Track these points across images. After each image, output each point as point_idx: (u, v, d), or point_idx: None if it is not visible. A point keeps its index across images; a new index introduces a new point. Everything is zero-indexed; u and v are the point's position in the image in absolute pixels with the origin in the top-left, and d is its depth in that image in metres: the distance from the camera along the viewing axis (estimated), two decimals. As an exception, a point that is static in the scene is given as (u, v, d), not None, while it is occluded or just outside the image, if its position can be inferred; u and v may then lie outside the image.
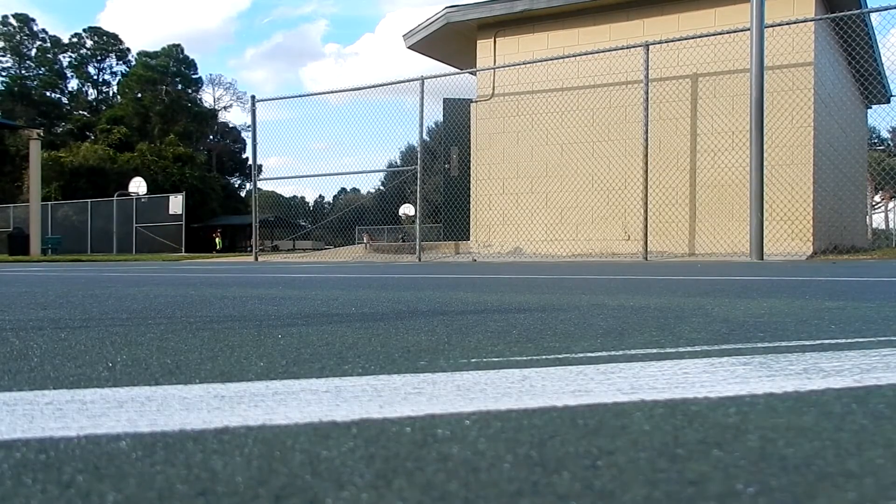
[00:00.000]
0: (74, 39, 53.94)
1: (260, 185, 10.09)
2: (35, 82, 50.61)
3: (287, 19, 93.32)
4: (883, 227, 25.34)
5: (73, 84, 53.80)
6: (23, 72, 50.99)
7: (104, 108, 51.58)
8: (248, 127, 11.97)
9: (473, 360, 0.81)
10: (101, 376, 0.74)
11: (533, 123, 8.23)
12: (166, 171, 38.94)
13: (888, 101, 11.54)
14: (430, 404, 0.58)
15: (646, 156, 7.12)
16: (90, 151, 37.81)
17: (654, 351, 0.87)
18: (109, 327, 1.19)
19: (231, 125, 57.72)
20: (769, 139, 6.61)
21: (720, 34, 6.87)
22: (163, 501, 0.36)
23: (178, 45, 54.02)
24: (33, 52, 51.89)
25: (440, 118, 10.09)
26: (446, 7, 8.60)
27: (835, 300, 1.60)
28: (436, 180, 10.67)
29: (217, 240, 30.56)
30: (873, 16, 7.83)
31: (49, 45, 52.54)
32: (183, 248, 21.72)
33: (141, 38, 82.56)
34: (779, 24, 6.53)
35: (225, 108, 58.85)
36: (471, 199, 8.73)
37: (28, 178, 17.83)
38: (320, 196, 50.01)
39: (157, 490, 0.38)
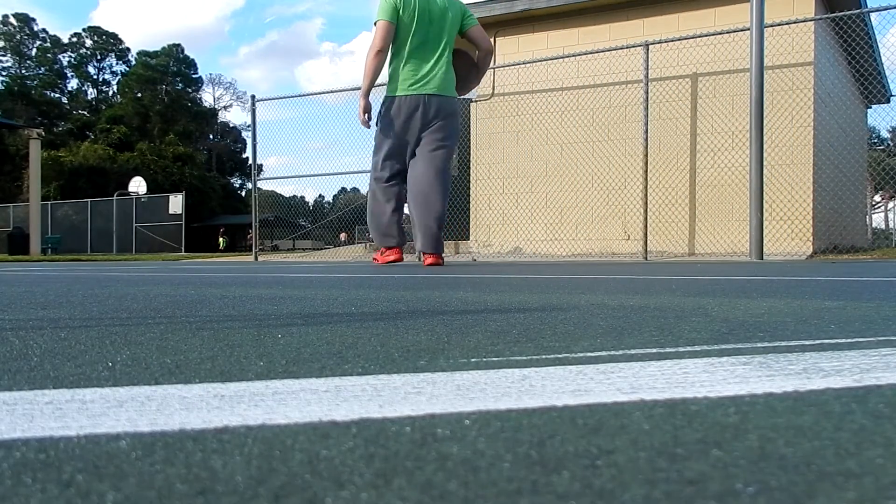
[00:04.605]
0: (74, 39, 53.96)
1: (260, 184, 10.09)
2: (35, 82, 50.61)
3: (282, 18, 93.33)
4: (883, 227, 25.35)
5: (72, 84, 53.85)
6: (23, 71, 50.98)
7: (104, 107, 51.58)
8: (248, 126, 11.97)
9: (473, 360, 0.81)
10: (100, 376, 0.74)
11: (533, 123, 8.23)
12: (166, 170, 38.96)
13: (888, 101, 11.55)
14: (430, 404, 0.58)
15: (646, 155, 7.12)
16: (90, 151, 37.83)
17: (654, 351, 0.87)
18: (109, 327, 1.19)
19: (231, 125, 57.81)
20: (769, 139, 6.61)
21: (720, 34, 6.87)
22: (162, 501, 0.36)
23: (178, 45, 54.08)
24: (33, 51, 51.89)
25: (440, 118, 10.07)
26: (446, 7, 8.60)
27: (835, 300, 1.60)
28: (436, 180, 10.68)
29: (221, 239, 30.53)
30: (873, 15, 7.84)
31: (49, 44, 52.54)
32: (183, 248, 21.71)
33: (132, 36, 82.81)
34: (779, 24, 6.53)
35: (225, 107, 58.93)
36: (471, 199, 8.73)
37: (28, 177, 17.83)
38: (320, 196, 50.07)
39: (157, 489, 0.38)
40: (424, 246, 4.69)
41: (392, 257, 4.85)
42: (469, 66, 4.93)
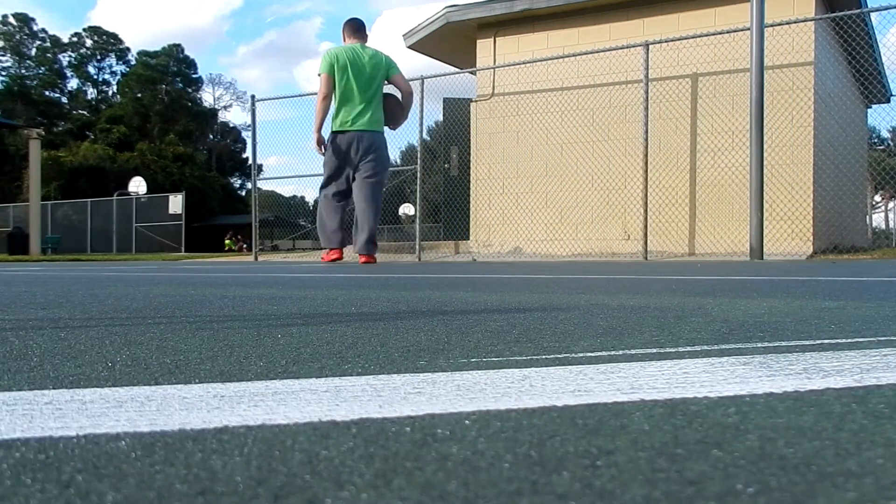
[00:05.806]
0: (74, 39, 53.89)
1: (260, 184, 10.08)
2: (35, 82, 50.53)
3: (281, 17, 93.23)
4: (883, 227, 25.37)
5: (72, 83, 53.75)
6: (23, 71, 50.91)
7: (104, 107, 51.51)
8: (248, 126, 11.96)
9: (473, 360, 0.81)
10: (100, 376, 0.74)
11: (533, 123, 8.23)
12: (166, 170, 38.93)
13: (888, 101, 11.54)
14: (430, 404, 0.58)
15: (646, 155, 7.12)
16: (90, 151, 37.81)
17: (654, 351, 0.87)
18: (109, 327, 1.19)
19: (231, 125, 57.67)
20: (769, 139, 6.61)
21: (720, 34, 6.87)
22: (162, 501, 0.36)
23: (178, 45, 54.00)
24: (33, 51, 51.81)
25: (440, 118, 10.09)
26: (446, 7, 8.60)
27: (835, 300, 1.60)
28: (436, 180, 10.68)
29: (228, 241, 30.15)
30: (873, 15, 7.84)
31: (49, 44, 52.47)
32: (183, 248, 21.72)
33: (132, 36, 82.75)
34: (779, 24, 6.53)
35: (225, 107, 58.82)
36: (471, 199, 8.72)
37: (28, 177, 17.81)
38: (320, 196, 49.95)
39: (157, 489, 0.38)
40: (360, 249, 6.01)
41: (334, 256, 6.09)
42: (395, 105, 6.10)
